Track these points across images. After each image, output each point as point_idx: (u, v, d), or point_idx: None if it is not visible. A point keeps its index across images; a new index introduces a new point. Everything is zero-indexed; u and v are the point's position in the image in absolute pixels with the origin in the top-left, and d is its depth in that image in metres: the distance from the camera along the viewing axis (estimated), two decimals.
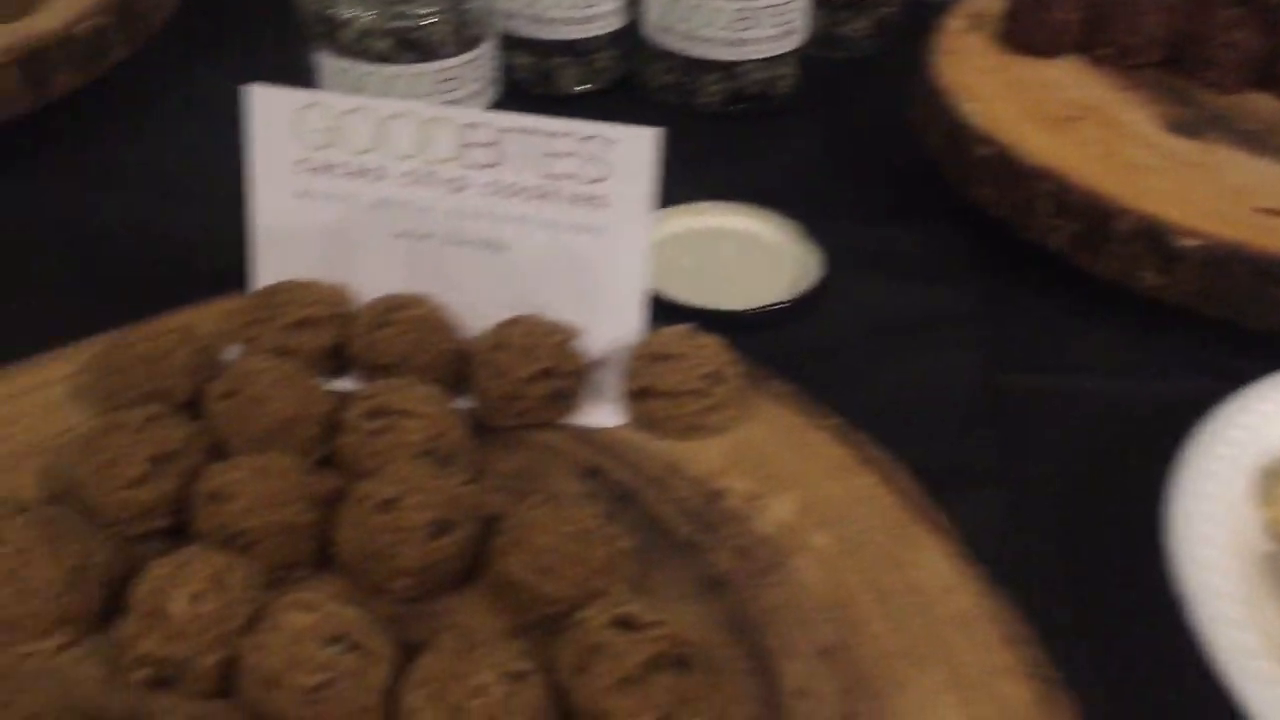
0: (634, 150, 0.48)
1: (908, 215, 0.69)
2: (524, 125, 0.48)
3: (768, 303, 0.59)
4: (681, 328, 0.48)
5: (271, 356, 0.46)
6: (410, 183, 0.49)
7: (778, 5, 0.73)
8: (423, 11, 0.64)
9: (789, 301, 0.60)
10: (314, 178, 0.49)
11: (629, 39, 0.78)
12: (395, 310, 0.48)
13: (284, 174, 0.49)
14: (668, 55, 0.76)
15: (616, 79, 0.79)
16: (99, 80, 0.71)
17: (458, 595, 0.41)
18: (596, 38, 0.77)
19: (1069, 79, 0.68)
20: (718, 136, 0.76)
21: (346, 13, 0.64)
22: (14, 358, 0.50)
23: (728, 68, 0.75)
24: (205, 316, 0.52)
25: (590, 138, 0.47)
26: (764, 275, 0.62)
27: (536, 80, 0.77)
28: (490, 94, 0.69)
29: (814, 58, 0.79)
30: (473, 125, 0.48)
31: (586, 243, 0.49)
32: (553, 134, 0.48)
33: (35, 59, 0.68)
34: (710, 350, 0.47)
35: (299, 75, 0.76)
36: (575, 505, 0.40)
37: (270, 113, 0.49)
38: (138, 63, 0.74)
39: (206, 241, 0.64)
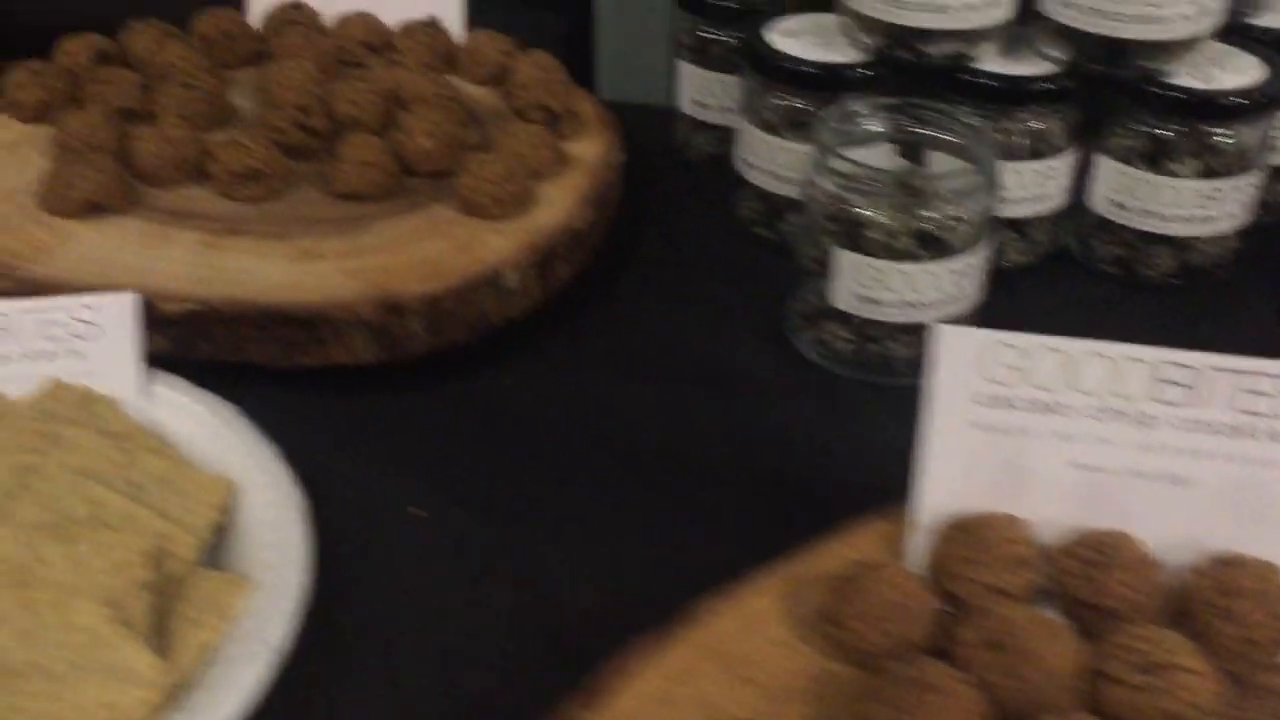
0: None
1: None
2: (1221, 365, 0.49)
3: None
4: None
5: (1013, 603, 0.47)
6: (1094, 417, 0.50)
7: (1244, 183, 0.74)
8: (952, 212, 0.65)
9: None
10: (992, 411, 0.50)
11: (1069, 212, 0.79)
12: (1108, 548, 0.48)
13: (961, 406, 0.50)
14: (1116, 229, 0.77)
15: (1051, 251, 0.80)
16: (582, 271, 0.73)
17: None
18: (1042, 215, 0.78)
19: None
20: (1164, 311, 0.76)
21: (869, 212, 0.66)
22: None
23: (1180, 241, 0.76)
24: (860, 543, 0.52)
25: None
26: None
27: None
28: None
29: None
30: (1168, 364, 0.49)
31: None
32: (1251, 373, 0.48)
33: (546, 253, 0.70)
34: None
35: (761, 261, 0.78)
36: None
37: (954, 348, 0.50)
38: (610, 253, 0.76)
39: (767, 447, 0.65)
